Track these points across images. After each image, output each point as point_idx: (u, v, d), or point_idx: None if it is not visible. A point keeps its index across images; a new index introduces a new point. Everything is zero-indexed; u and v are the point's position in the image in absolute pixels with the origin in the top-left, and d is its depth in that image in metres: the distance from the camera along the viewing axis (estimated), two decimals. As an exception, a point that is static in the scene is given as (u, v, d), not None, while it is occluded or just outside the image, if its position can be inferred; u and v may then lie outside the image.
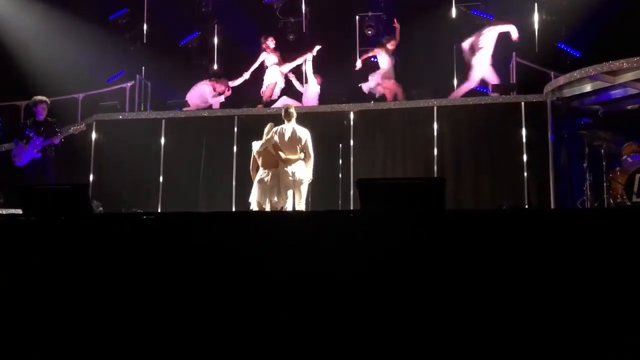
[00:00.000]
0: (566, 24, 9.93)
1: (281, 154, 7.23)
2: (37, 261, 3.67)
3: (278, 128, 7.33)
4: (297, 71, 10.62)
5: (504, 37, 9.32)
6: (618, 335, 2.91)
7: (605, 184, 7.46)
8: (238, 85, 10.53)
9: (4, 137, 9.26)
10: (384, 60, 9.86)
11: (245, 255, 3.44)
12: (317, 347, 3.20)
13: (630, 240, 3.05)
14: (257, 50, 10.49)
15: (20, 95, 10.06)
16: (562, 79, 8.08)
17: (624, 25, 8.84)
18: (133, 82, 10.54)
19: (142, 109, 10.64)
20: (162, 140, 9.64)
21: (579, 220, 3.29)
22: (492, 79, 9.31)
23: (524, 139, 8.47)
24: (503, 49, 9.37)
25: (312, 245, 3.37)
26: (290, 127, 7.32)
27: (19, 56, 10.72)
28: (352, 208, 8.45)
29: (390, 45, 9.88)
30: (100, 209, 8.41)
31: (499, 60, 9.56)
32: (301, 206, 7.19)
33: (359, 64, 10.09)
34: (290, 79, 10.54)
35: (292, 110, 7.47)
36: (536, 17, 10.13)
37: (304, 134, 7.30)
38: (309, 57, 10.22)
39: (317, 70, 10.30)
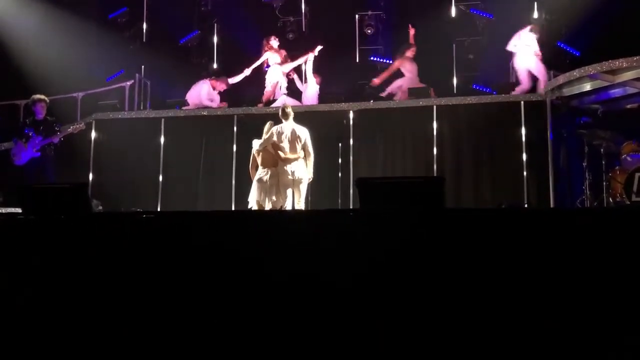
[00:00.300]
0: (566, 23, 9.92)
1: (280, 153, 7.22)
2: (37, 260, 3.67)
3: (277, 127, 7.32)
4: (297, 70, 10.61)
5: (505, 37, 9.31)
6: (618, 335, 2.91)
7: (604, 183, 7.46)
8: (237, 84, 10.51)
9: (3, 136, 9.25)
10: (408, 68, 9.84)
11: (245, 254, 3.45)
12: (317, 347, 3.20)
13: (629, 239, 3.05)
14: (257, 49, 10.47)
15: (20, 94, 10.05)
16: (561, 78, 8.09)
17: (623, 24, 8.85)
18: (132, 81, 10.53)
19: (141, 108, 10.62)
20: (162, 139, 9.63)
21: (578, 220, 3.30)
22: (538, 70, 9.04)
23: (524, 138, 8.46)
24: (503, 49, 9.36)
25: (312, 244, 3.37)
26: (289, 126, 7.32)
27: (18, 55, 10.70)
28: (351, 207, 8.45)
29: (409, 53, 9.87)
30: (100, 208, 8.41)
31: (499, 60, 9.56)
32: (301, 205, 7.18)
33: (377, 81, 10.02)
34: (292, 78, 10.52)
35: (289, 109, 7.47)
36: (536, 16, 10.12)
37: (304, 133, 7.31)
38: (310, 56, 10.20)
39: (316, 69, 10.28)
